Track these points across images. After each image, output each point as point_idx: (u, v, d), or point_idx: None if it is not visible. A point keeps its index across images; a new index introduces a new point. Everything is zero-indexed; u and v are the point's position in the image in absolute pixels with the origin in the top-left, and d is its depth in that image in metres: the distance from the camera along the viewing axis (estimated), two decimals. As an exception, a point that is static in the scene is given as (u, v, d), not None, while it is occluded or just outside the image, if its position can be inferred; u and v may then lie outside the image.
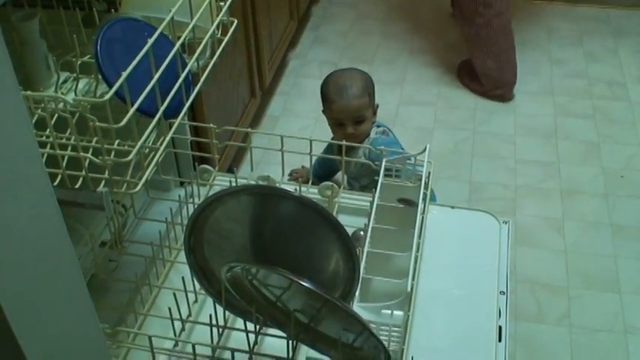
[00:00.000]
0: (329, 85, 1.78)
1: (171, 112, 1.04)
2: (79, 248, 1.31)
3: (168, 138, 1.01)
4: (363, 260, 1.16)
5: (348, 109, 1.73)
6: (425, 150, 1.36)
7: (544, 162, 2.16)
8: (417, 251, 1.19)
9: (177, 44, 1.01)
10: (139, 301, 1.28)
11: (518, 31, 2.52)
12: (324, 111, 1.80)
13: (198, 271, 1.13)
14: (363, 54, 2.71)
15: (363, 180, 1.81)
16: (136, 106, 0.91)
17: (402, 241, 1.22)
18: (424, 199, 1.30)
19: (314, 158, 1.44)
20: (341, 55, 2.71)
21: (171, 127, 1.04)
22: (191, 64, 1.08)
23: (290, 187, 1.38)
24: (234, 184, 1.54)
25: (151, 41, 0.93)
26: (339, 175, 1.84)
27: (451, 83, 2.55)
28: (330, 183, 1.54)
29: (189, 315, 1.24)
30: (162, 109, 0.98)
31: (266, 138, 2.02)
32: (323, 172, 1.94)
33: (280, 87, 2.55)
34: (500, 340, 1.28)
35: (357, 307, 1.09)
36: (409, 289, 1.06)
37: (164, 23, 1.00)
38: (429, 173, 1.38)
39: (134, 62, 0.90)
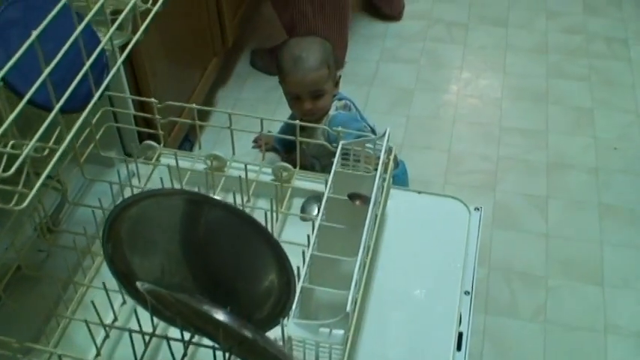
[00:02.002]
0: (284, 55, 1.68)
1: (77, 105, 0.95)
2: (5, 234, 1.23)
3: (68, 139, 0.91)
4: (305, 265, 1.09)
5: (304, 83, 1.64)
6: (384, 134, 1.27)
7: (531, 130, 2.07)
8: (366, 256, 1.12)
9: (86, 21, 0.91)
10: (67, 299, 1.22)
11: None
12: (280, 82, 1.71)
13: (121, 276, 1.07)
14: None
15: (324, 160, 1.73)
16: (26, 98, 0.82)
17: (356, 242, 1.15)
18: (379, 193, 1.22)
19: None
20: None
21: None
22: (103, 43, 0.98)
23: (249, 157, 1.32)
24: (180, 161, 1.46)
25: (47, 20, 0.83)
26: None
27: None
28: (285, 164, 1.46)
29: (115, 320, 1.18)
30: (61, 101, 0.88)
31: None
32: (284, 146, 1.86)
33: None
34: (459, 349, 1.22)
35: (293, 324, 1.02)
36: (348, 308, 0.99)
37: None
38: (389, 160, 1.30)
39: (25, 45, 0.81)
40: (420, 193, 1.45)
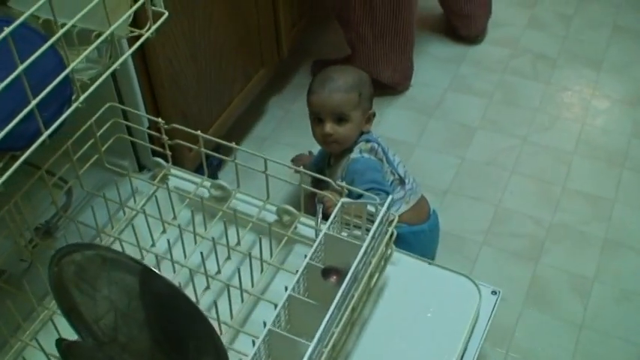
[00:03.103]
0: (316, 76, 1.64)
1: (20, 143, 0.89)
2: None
3: (4, 178, 0.85)
4: (261, 340, 1.01)
5: (328, 102, 1.56)
6: (387, 200, 1.16)
7: (596, 197, 1.89)
8: (325, 345, 1.02)
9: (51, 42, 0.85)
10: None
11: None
12: (307, 105, 1.64)
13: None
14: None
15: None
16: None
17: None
18: (363, 267, 1.11)
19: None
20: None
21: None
22: (70, 68, 0.92)
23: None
24: (186, 185, 1.42)
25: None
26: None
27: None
28: (288, 208, 1.38)
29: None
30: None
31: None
32: (318, 171, 1.78)
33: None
34: None
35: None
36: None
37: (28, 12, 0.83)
38: (386, 233, 1.19)
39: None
40: (430, 264, 1.34)
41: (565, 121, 2.12)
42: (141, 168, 1.53)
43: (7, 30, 0.77)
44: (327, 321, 1.00)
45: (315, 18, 2.18)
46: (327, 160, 1.70)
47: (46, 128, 0.89)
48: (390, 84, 2.16)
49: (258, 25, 1.81)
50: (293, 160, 1.93)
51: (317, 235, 1.33)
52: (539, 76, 2.28)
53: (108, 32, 0.93)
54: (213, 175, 1.78)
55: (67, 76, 0.90)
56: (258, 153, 1.30)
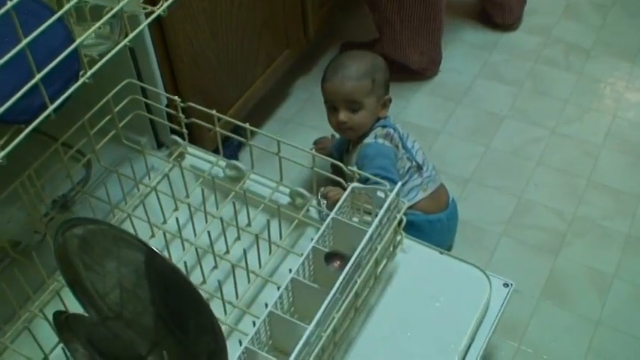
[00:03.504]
0: (330, 63, 1.63)
1: (25, 117, 0.90)
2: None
3: (5, 152, 0.86)
4: (260, 321, 1.01)
5: (341, 90, 1.56)
6: (395, 187, 1.15)
7: (621, 192, 1.85)
8: (325, 329, 1.02)
9: (57, 15, 0.86)
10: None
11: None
12: (321, 91, 1.63)
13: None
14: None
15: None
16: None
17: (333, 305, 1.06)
18: (368, 253, 1.10)
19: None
20: None
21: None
22: (77, 43, 0.92)
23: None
24: (201, 164, 1.43)
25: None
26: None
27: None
28: (301, 190, 1.38)
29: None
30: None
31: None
32: (340, 154, 1.77)
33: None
34: None
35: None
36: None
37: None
38: (394, 219, 1.18)
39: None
40: (441, 253, 1.33)
41: (595, 113, 2.08)
42: (159, 145, 1.54)
43: (9, 4, 0.77)
44: (327, 306, 1.00)
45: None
46: (347, 146, 1.69)
47: (52, 103, 0.89)
48: (417, 69, 2.13)
49: (283, 6, 1.79)
50: (315, 143, 1.92)
51: (321, 219, 1.34)
52: (572, 67, 2.23)
53: (117, 8, 0.94)
54: (233, 156, 1.79)
55: (74, 52, 0.91)
56: (273, 135, 1.30)
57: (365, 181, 1.24)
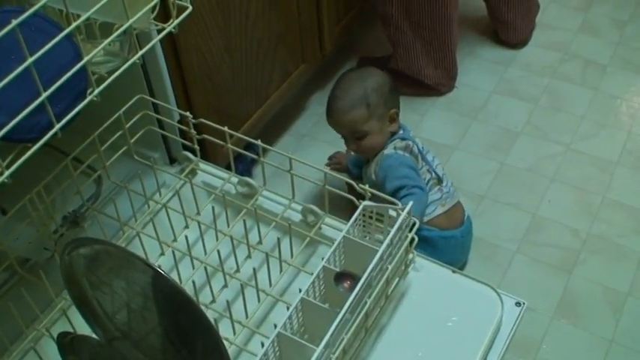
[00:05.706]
0: (331, 90, 1.62)
1: (34, 133, 0.88)
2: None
3: (10, 171, 0.84)
4: (269, 342, 0.99)
5: (338, 126, 1.59)
6: (407, 205, 1.12)
7: (636, 209, 1.81)
8: (334, 350, 0.99)
9: (64, 33, 0.84)
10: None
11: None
12: None
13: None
14: None
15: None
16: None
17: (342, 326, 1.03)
18: (372, 275, 1.07)
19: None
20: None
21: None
22: (85, 61, 0.90)
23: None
24: (213, 180, 1.40)
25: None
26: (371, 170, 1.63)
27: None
28: (313, 208, 1.35)
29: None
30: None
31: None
32: (358, 168, 1.75)
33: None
34: None
35: None
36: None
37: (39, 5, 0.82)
38: (405, 238, 1.15)
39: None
40: (454, 272, 1.29)
41: (611, 130, 2.04)
42: (172, 161, 1.52)
43: (14, 22, 0.75)
44: (336, 327, 0.97)
45: (362, 14, 2.13)
46: (366, 159, 1.68)
47: (59, 121, 0.87)
48: (433, 85, 2.10)
49: (299, 22, 1.77)
50: (330, 158, 1.90)
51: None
52: (588, 82, 2.19)
53: (126, 25, 0.92)
54: (247, 170, 1.77)
55: (82, 70, 0.89)
56: (285, 152, 1.27)
57: (389, 194, 1.22)
